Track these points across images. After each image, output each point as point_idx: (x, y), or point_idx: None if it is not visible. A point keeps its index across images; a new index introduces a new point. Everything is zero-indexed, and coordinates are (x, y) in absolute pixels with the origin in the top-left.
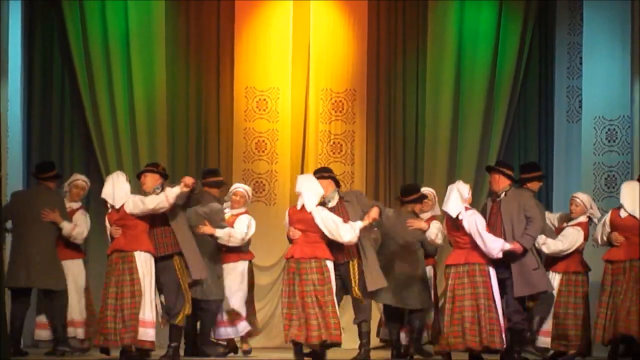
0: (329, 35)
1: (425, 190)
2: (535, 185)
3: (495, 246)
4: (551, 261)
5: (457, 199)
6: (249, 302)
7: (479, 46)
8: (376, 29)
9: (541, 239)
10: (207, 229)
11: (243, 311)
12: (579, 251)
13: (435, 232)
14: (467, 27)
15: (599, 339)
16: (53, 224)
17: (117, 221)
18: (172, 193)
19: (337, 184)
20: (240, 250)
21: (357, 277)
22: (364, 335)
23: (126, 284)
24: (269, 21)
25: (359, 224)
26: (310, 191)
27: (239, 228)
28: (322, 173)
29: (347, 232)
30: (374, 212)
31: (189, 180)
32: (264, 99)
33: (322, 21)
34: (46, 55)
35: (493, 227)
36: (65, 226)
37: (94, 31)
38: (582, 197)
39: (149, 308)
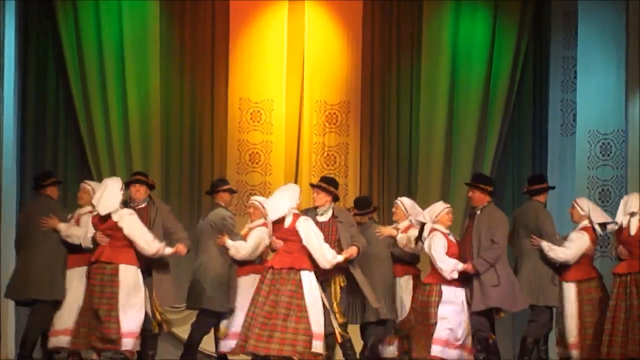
0: (323, 47)
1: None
2: (542, 198)
3: (446, 267)
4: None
5: None
6: None
7: (474, 59)
8: (370, 42)
9: (546, 246)
10: (220, 241)
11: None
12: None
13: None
14: (462, 40)
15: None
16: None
17: (105, 230)
18: (165, 251)
19: (336, 199)
20: (253, 263)
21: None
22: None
23: (105, 296)
24: (264, 33)
25: (338, 258)
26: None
27: (247, 243)
28: (321, 184)
29: (327, 257)
30: (352, 251)
31: (183, 250)
32: (258, 111)
33: (317, 34)
34: (40, 64)
35: (464, 244)
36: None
37: (88, 41)
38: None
39: (127, 319)
